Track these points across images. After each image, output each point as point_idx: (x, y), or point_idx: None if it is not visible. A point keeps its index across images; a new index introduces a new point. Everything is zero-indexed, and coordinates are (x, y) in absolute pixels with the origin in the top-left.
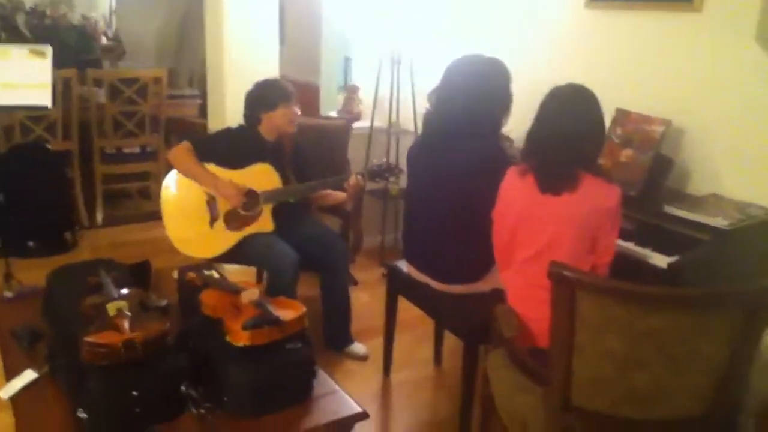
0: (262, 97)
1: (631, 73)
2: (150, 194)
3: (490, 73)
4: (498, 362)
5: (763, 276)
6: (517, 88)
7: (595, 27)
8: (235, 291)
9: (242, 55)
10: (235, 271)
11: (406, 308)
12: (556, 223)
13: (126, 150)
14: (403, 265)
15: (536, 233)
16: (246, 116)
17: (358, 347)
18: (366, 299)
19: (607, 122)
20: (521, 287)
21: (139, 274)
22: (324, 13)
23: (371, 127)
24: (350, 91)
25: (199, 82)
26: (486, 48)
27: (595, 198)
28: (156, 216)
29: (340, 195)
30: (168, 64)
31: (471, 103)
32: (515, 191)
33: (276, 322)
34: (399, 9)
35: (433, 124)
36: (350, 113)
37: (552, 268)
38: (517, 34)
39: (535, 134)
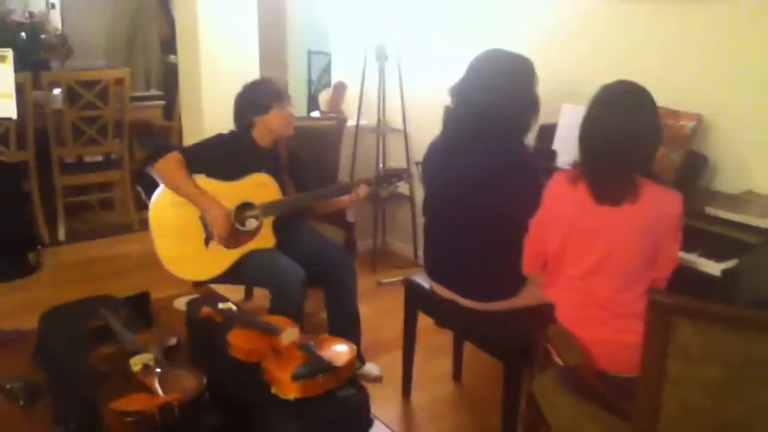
0: (253, 100)
1: (653, 65)
2: (114, 205)
3: (518, 71)
4: (549, 386)
5: None
6: None
7: (613, 17)
8: (272, 331)
9: (219, 51)
10: (219, 289)
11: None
12: (616, 235)
13: (87, 159)
14: (422, 279)
15: (592, 247)
16: (237, 121)
17: (371, 368)
18: (365, 311)
19: None
20: (575, 306)
21: (138, 308)
22: (288, 5)
23: (357, 126)
24: (338, 90)
25: (157, 81)
26: (486, 43)
27: (658, 206)
28: (123, 229)
29: (343, 201)
30: (119, 63)
31: (498, 101)
32: (565, 200)
33: (330, 369)
34: (385, 1)
35: (454, 123)
36: (338, 113)
37: (650, 295)
38: (522, 25)
39: (587, 138)
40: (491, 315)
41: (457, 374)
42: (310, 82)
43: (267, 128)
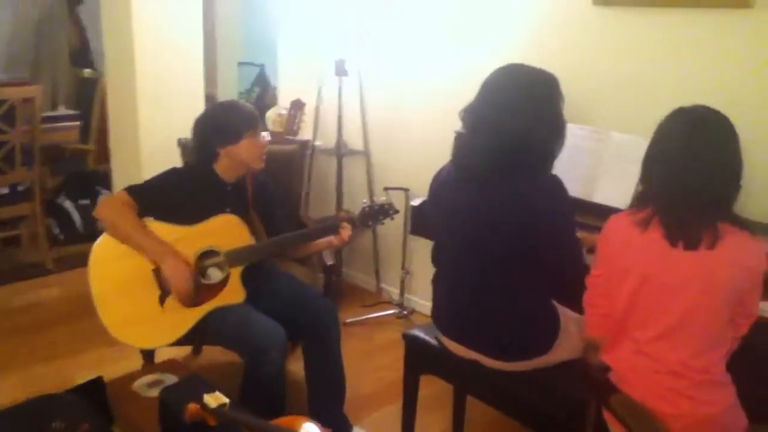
0: (222, 126)
1: (651, 79)
2: (22, 243)
3: (544, 88)
4: None
5: None
6: None
7: (605, 27)
8: None
9: (158, 64)
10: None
11: (396, 365)
12: (695, 288)
13: None
14: (425, 334)
15: (667, 303)
16: (198, 153)
17: None
18: None
19: None
20: (643, 372)
21: (93, 398)
22: (218, 14)
23: (312, 147)
24: (296, 108)
25: (66, 97)
26: (460, 56)
27: (739, 254)
28: (36, 270)
29: (322, 244)
30: (21, 77)
31: (526, 126)
32: (634, 248)
33: None
34: (342, 11)
35: (471, 153)
36: (294, 134)
37: None
38: (501, 37)
39: (663, 174)
40: (524, 376)
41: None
42: (244, 94)
43: (235, 161)
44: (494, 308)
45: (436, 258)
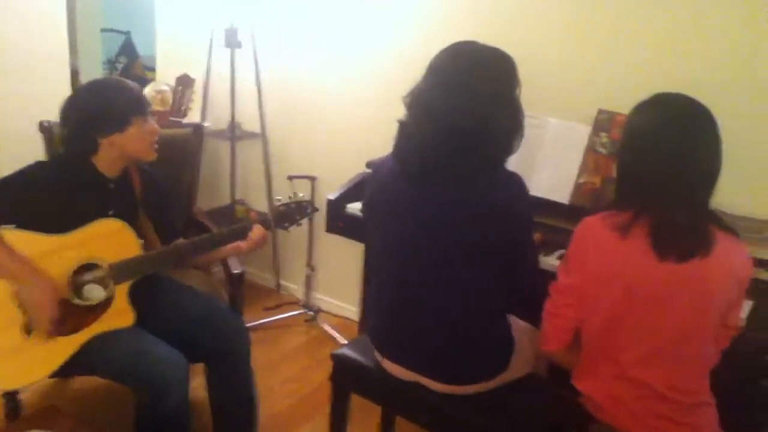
0: (103, 111)
1: (609, 65)
2: None
3: (502, 71)
4: None
5: None
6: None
7: (540, 9)
8: None
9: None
10: None
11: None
12: (685, 302)
13: None
14: (357, 352)
15: (655, 320)
16: (71, 143)
17: None
18: None
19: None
20: (630, 399)
21: None
22: None
23: (202, 128)
24: (183, 85)
25: None
26: (373, 26)
27: (730, 262)
28: None
29: (227, 251)
30: None
31: (482, 114)
32: (614, 257)
33: None
34: None
35: (418, 144)
36: (182, 115)
37: None
38: (431, 6)
39: (643, 172)
40: (476, 399)
41: None
42: (107, 64)
43: (120, 152)
44: (447, 325)
45: (375, 267)
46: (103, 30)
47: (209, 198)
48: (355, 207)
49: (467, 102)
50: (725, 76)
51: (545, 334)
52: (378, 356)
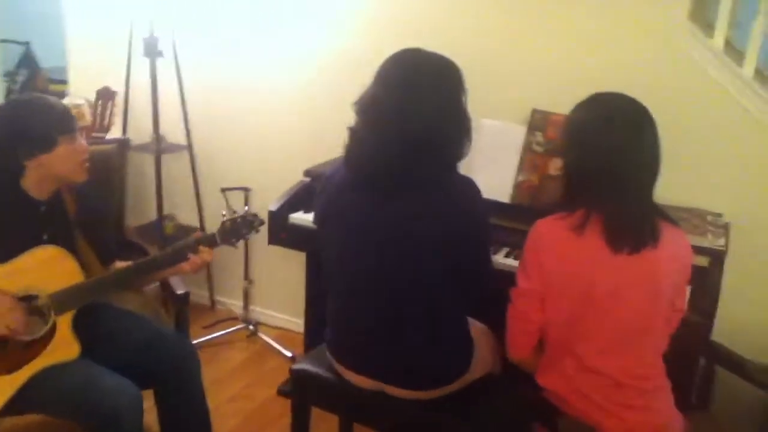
0: (27, 131)
1: (540, 67)
2: None
3: (451, 78)
4: None
5: None
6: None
7: (480, 7)
8: None
9: None
10: None
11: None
12: (641, 291)
13: None
14: (316, 366)
15: (613, 311)
16: None
17: None
18: None
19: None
20: (591, 389)
21: None
22: None
23: (127, 143)
24: (104, 98)
25: None
26: (296, 29)
27: (675, 249)
28: None
29: (169, 272)
30: None
31: (434, 119)
32: (572, 256)
33: None
34: None
35: (371, 152)
36: (105, 130)
37: None
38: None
39: (589, 170)
40: (440, 402)
41: None
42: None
43: (48, 173)
44: (409, 332)
45: (332, 279)
46: (2, 41)
47: (137, 215)
48: (298, 217)
49: (421, 109)
50: (647, 77)
51: (513, 340)
52: (339, 367)
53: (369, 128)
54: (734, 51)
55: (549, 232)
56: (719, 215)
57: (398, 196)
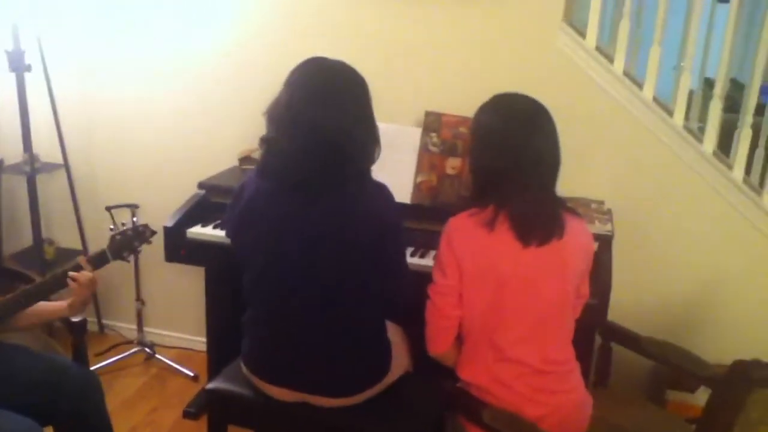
0: None
1: (430, 71)
2: None
3: (359, 85)
4: None
5: None
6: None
7: (369, 13)
8: None
9: None
10: None
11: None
12: (552, 280)
13: None
14: (231, 382)
15: (527, 301)
16: None
17: None
18: None
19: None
20: (511, 378)
21: None
22: None
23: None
24: None
25: None
26: (168, 37)
27: (579, 238)
28: None
29: (57, 306)
30: None
31: (349, 125)
32: (485, 251)
33: None
34: None
35: (286, 159)
36: None
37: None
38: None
39: (494, 168)
40: (365, 407)
41: None
42: None
43: None
44: (331, 339)
45: (251, 293)
46: None
47: (12, 241)
48: (196, 231)
49: (336, 116)
50: (528, 75)
51: (432, 337)
52: (257, 382)
53: (287, 138)
54: (603, 52)
55: (461, 228)
56: (601, 202)
57: (316, 202)
